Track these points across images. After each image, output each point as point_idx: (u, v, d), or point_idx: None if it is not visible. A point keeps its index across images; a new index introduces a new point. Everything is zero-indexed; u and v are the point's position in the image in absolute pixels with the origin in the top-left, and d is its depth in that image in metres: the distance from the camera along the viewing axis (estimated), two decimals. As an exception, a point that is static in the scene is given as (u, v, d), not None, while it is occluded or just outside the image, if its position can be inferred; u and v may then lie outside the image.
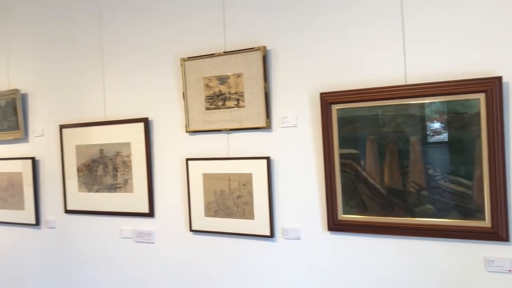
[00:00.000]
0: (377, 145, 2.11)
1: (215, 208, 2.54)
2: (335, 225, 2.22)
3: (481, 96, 1.90)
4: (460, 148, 1.95)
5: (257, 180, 2.40)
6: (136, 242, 2.86)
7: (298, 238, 2.34)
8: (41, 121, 3.26)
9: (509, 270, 1.91)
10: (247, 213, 2.44)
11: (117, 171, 2.88)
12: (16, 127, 3.31)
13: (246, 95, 2.43)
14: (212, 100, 2.53)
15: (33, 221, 3.27)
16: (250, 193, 2.42)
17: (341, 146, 2.19)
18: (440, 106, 1.98)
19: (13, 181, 3.37)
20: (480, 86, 1.89)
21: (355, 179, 2.17)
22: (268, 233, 2.38)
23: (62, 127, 3.10)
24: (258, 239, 2.45)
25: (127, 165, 2.84)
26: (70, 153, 3.07)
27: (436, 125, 2.00)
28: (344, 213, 2.20)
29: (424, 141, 2.02)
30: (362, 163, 2.15)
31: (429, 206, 2.02)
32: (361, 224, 2.15)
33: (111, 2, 2.92)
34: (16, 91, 3.27)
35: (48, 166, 3.23)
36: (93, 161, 2.97)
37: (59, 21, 3.16)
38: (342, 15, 2.22)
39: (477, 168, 1.92)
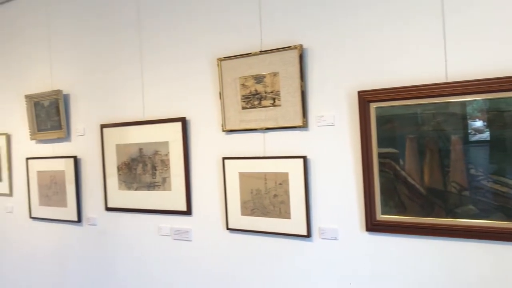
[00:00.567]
0: (416, 144, 2.07)
1: (251, 207, 2.55)
2: (373, 225, 2.19)
3: (527, 94, 1.84)
4: (504, 147, 1.89)
5: (294, 179, 2.40)
6: (174, 239, 2.91)
7: (335, 238, 2.32)
8: (83, 121, 3.35)
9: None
10: (284, 212, 2.44)
11: (155, 170, 2.93)
12: (59, 126, 3.42)
13: (282, 94, 2.43)
14: (248, 100, 2.54)
15: (75, 218, 3.37)
16: (287, 193, 2.42)
17: (379, 145, 2.16)
18: (482, 104, 1.93)
19: (56, 179, 3.48)
20: (525, 83, 1.83)
21: (394, 178, 2.13)
22: (304, 233, 2.38)
23: (102, 126, 3.18)
24: (295, 239, 2.44)
25: (165, 163, 2.89)
26: (111, 152, 3.14)
27: (478, 124, 1.95)
28: (383, 213, 2.16)
29: (465, 140, 1.97)
30: (401, 162, 2.11)
31: (471, 207, 1.96)
32: (400, 224, 2.11)
33: (150, 4, 2.98)
34: (58, 92, 3.37)
35: (89, 164, 3.32)
36: (133, 159, 3.03)
37: (99, 23, 3.24)
38: (380, 12, 2.18)
39: (523, 168, 1.86)
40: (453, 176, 1.99)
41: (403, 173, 2.11)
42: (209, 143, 2.74)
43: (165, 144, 2.88)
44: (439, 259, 2.06)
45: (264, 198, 2.50)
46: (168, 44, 2.90)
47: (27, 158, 3.66)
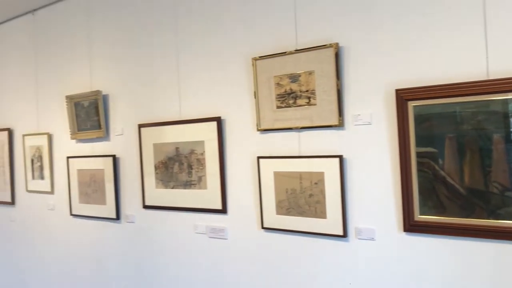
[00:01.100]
0: (456, 143, 2.02)
1: (286, 206, 2.55)
2: (411, 226, 2.15)
3: None
4: (550, 146, 1.83)
5: (329, 179, 2.38)
6: (210, 237, 2.94)
7: (372, 239, 2.29)
8: (121, 121, 3.43)
9: None
10: (319, 212, 2.43)
11: (191, 169, 2.97)
12: (98, 126, 3.51)
13: (317, 92, 2.41)
14: (283, 99, 2.54)
15: (114, 216, 3.45)
16: (322, 192, 2.41)
17: (418, 144, 2.12)
18: (526, 102, 1.86)
19: (96, 177, 3.57)
20: None
21: (432, 178, 2.09)
22: (341, 233, 2.36)
23: (140, 126, 3.25)
24: (331, 239, 2.43)
25: (201, 162, 2.92)
26: (148, 151, 3.20)
27: (522, 122, 1.89)
28: (421, 214, 2.12)
29: (508, 139, 1.91)
30: (440, 162, 2.06)
31: (514, 207, 1.90)
32: (439, 225, 2.07)
33: (187, 7, 3.01)
34: (98, 92, 3.46)
35: (127, 163, 3.40)
36: (169, 158, 3.08)
37: (137, 25, 3.31)
38: (418, 8, 2.14)
39: None
40: (495, 176, 1.94)
41: (442, 172, 2.06)
42: (244, 142, 2.75)
43: (201, 143, 2.91)
44: (481, 262, 2.01)
45: (300, 197, 2.50)
46: (204, 45, 2.93)
47: (68, 157, 3.77)
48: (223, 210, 2.85)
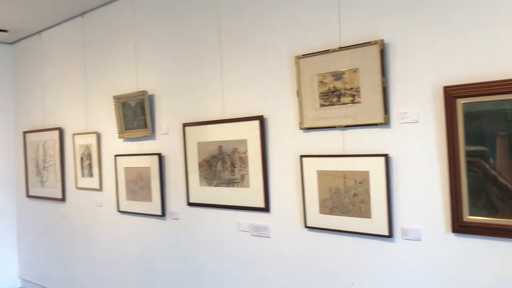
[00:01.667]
0: (508, 142, 1.94)
1: (330, 205, 2.53)
2: (460, 226, 2.08)
3: None
4: None
5: (375, 178, 2.34)
6: (253, 236, 2.95)
7: (418, 239, 2.24)
8: (166, 120, 3.50)
9: None
10: (364, 211, 2.39)
11: (234, 167, 2.99)
12: (144, 125, 3.60)
13: (362, 90, 2.38)
14: (327, 97, 2.52)
15: (160, 212, 3.53)
16: (367, 192, 2.37)
17: (467, 143, 2.05)
18: None
19: (142, 175, 3.66)
20: None
21: (483, 178, 2.01)
22: (386, 233, 2.32)
23: (185, 125, 3.30)
24: (376, 239, 2.39)
25: (243, 161, 2.94)
26: (192, 149, 3.25)
27: None
28: (471, 214, 2.05)
29: None
30: (491, 161, 1.99)
31: None
32: (490, 226, 1.99)
33: (230, 7, 3.04)
34: (144, 92, 3.55)
35: (172, 161, 3.46)
36: (213, 157, 3.12)
37: (181, 25, 3.36)
38: (465, 2, 2.07)
39: None
40: (550, 176, 1.85)
41: (493, 172, 1.99)
42: (287, 141, 2.75)
43: (244, 142, 2.93)
44: (535, 265, 1.93)
45: (344, 197, 2.47)
46: (247, 44, 2.94)
47: (115, 155, 3.88)
48: (266, 209, 2.85)
